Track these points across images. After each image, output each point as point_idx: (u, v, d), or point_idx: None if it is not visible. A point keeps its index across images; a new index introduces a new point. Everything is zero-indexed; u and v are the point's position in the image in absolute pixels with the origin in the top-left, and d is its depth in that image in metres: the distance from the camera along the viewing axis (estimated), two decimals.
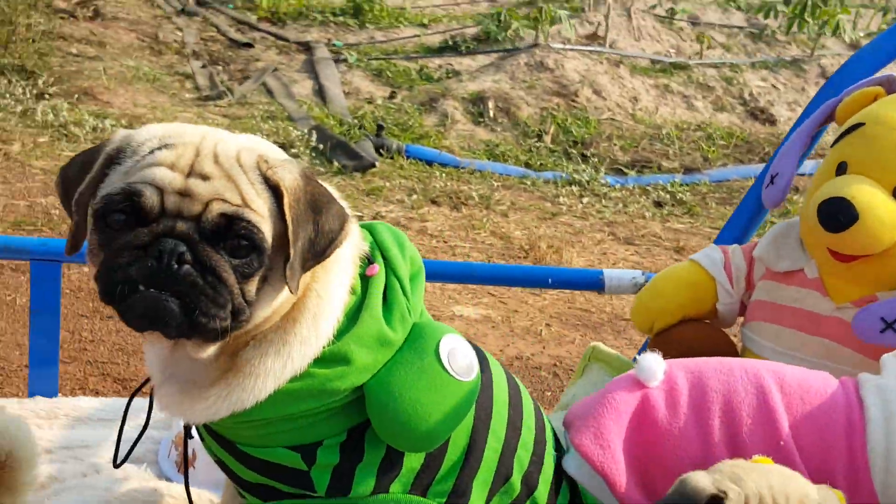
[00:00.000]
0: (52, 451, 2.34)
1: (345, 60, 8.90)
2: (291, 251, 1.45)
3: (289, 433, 1.57)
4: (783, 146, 2.28)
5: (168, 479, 2.25)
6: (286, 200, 1.47)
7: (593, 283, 2.68)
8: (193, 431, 1.77)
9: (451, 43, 9.56)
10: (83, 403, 2.60)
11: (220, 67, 8.72)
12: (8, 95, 7.06)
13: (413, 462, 1.63)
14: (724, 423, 1.72)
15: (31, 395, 2.64)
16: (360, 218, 1.65)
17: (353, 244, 1.63)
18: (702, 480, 1.50)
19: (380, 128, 7.34)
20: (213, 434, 1.65)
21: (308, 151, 6.89)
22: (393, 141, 7.21)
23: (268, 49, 9.25)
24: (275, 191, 1.48)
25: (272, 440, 1.58)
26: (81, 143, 6.41)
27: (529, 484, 1.75)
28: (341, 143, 7.02)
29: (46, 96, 7.16)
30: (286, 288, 1.48)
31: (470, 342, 1.73)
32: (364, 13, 10.20)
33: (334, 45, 9.34)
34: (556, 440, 1.87)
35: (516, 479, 1.73)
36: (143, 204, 1.43)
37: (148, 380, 1.65)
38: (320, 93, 8.25)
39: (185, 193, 1.44)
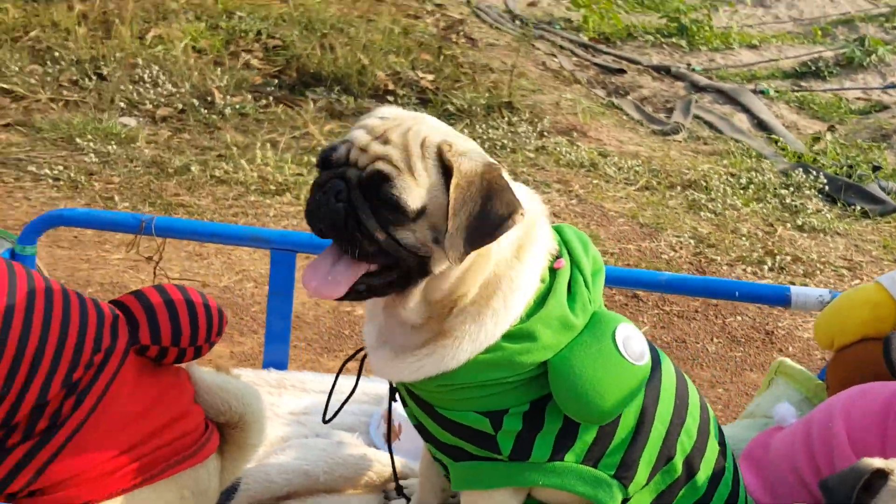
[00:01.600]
0: (281, 416, 2.69)
1: (762, 92, 8.28)
2: (450, 223, 1.70)
3: (480, 399, 1.82)
4: None
5: (376, 448, 2.55)
6: (454, 180, 1.72)
7: (780, 298, 2.77)
8: (398, 406, 2.06)
9: (812, 68, 8.90)
10: (307, 377, 2.95)
11: (601, 92, 8.18)
12: (510, 133, 6.80)
13: (587, 435, 1.84)
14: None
15: (265, 366, 3.01)
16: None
17: (543, 242, 1.86)
18: (874, 460, 1.72)
19: (875, 168, 6.78)
20: (416, 399, 1.92)
21: (813, 192, 6.38)
22: (892, 183, 6.56)
23: (641, 74, 8.66)
24: (447, 170, 1.74)
25: (465, 405, 1.83)
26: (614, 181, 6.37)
27: (691, 467, 1.92)
28: (851, 185, 6.44)
29: (546, 133, 6.94)
30: (467, 257, 1.74)
31: (644, 338, 1.93)
32: (691, 34, 9.62)
33: (693, 69, 8.87)
34: (721, 435, 2.03)
35: (678, 461, 1.91)
36: (332, 154, 1.78)
37: (359, 350, 1.95)
38: (761, 126, 7.65)
39: (364, 150, 1.75)
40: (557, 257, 1.88)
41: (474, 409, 1.83)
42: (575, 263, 1.89)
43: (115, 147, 5.83)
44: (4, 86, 6.50)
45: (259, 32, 7.77)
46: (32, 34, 7.15)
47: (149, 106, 6.51)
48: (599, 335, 1.83)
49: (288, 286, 2.90)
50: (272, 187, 5.59)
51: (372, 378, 2.37)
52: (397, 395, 2.04)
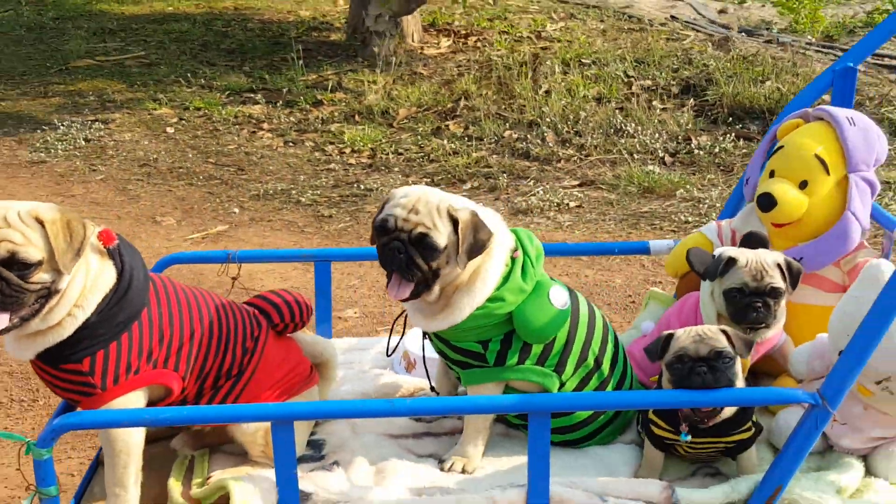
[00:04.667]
0: (341, 364, 3.95)
1: None
2: (460, 249, 2.67)
3: (476, 333, 2.80)
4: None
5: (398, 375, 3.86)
6: (460, 226, 2.66)
7: (643, 249, 3.65)
8: (427, 343, 3.18)
9: None
10: (350, 342, 3.91)
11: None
12: None
13: (536, 350, 2.81)
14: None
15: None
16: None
17: (504, 243, 2.81)
18: (726, 250, 2.86)
19: None
20: (439, 338, 3.03)
21: None
22: None
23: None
24: (454, 221, 2.69)
25: (468, 337, 2.90)
26: None
27: (598, 363, 2.93)
28: None
29: None
30: (459, 266, 2.70)
31: (568, 288, 2.95)
32: None
33: None
34: (617, 341, 3.04)
35: (590, 359, 2.91)
36: (387, 225, 2.70)
37: (402, 313, 3.20)
38: None
39: (406, 221, 2.67)
40: (515, 250, 2.83)
41: (473, 339, 2.80)
42: (525, 253, 2.83)
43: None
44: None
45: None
46: None
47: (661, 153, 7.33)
48: (539, 294, 2.79)
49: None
50: None
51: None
52: (425, 340, 3.03)
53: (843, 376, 2.48)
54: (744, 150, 7.24)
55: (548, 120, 7.66)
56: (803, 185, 3.02)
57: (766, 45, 9.31)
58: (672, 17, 10.75)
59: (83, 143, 7.98)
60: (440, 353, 2.95)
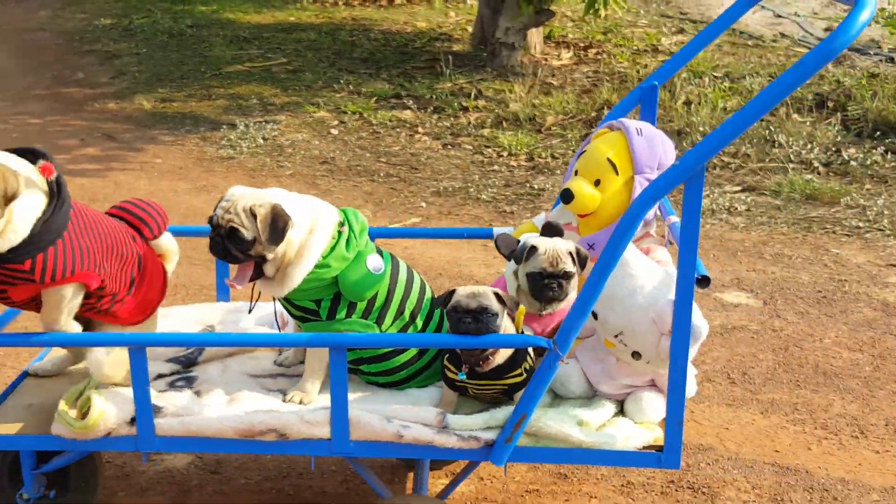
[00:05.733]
0: (228, 322, 3.96)
1: None
2: (262, 237, 3.12)
3: (310, 294, 3.26)
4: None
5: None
6: (258, 221, 3.11)
7: (488, 234, 4.04)
8: (279, 307, 3.53)
9: None
10: (238, 305, 4.13)
11: None
12: None
13: (361, 306, 3.29)
14: None
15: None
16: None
17: (329, 220, 3.26)
18: (529, 238, 3.36)
19: None
20: (287, 301, 3.33)
21: None
22: None
23: None
24: (255, 216, 3.12)
25: (305, 297, 3.27)
26: None
27: (413, 316, 3.41)
28: None
29: None
30: (281, 244, 3.15)
31: (389, 255, 3.40)
32: None
33: None
34: (432, 300, 3.48)
35: (407, 313, 3.39)
36: (211, 222, 3.21)
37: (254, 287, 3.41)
38: None
39: (222, 218, 3.16)
40: (342, 224, 3.30)
41: (309, 298, 3.28)
42: (350, 227, 3.31)
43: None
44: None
45: None
46: None
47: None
48: (359, 261, 3.28)
49: None
50: None
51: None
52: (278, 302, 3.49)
53: (570, 326, 2.98)
54: (893, 164, 7.88)
55: (700, 129, 8.33)
56: (597, 182, 3.52)
57: (881, 62, 9.93)
58: (781, 34, 11.41)
59: (262, 141, 8.74)
60: (286, 310, 3.48)
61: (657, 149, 3.54)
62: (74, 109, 9.78)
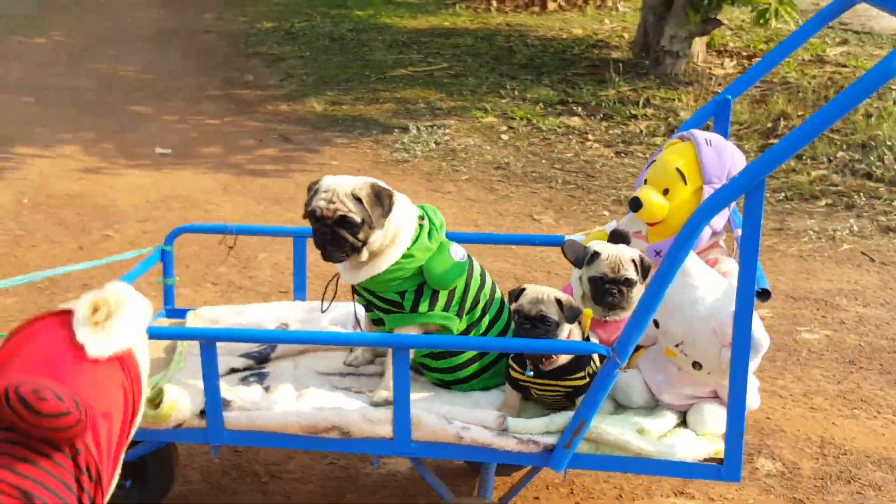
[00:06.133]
0: (304, 321, 4.07)
1: None
2: (374, 215, 3.25)
3: (394, 285, 3.38)
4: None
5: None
6: (364, 200, 3.25)
7: (558, 241, 3.88)
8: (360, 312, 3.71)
9: None
10: (313, 304, 4.16)
11: None
12: None
13: (441, 298, 3.40)
14: None
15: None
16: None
17: (412, 215, 3.39)
18: (594, 244, 3.50)
19: None
20: (368, 291, 3.45)
21: None
22: None
23: None
24: (359, 199, 3.26)
25: (387, 288, 3.39)
26: None
27: (484, 311, 3.52)
28: None
29: None
30: (379, 228, 3.27)
31: (464, 250, 3.50)
32: None
33: None
34: (501, 297, 3.60)
35: (479, 308, 3.50)
36: (315, 214, 3.30)
37: (334, 277, 3.60)
38: None
39: (327, 209, 3.28)
40: (423, 218, 3.43)
41: (392, 290, 3.39)
42: (431, 221, 3.44)
43: None
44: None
45: None
46: None
47: None
48: (442, 251, 3.40)
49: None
50: None
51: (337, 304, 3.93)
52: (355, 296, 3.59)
53: (629, 334, 3.01)
54: None
55: (887, 143, 8.13)
56: (666, 191, 3.57)
57: None
58: None
59: (434, 145, 8.86)
60: (367, 304, 3.56)
61: (726, 160, 3.57)
62: (248, 111, 10.06)
